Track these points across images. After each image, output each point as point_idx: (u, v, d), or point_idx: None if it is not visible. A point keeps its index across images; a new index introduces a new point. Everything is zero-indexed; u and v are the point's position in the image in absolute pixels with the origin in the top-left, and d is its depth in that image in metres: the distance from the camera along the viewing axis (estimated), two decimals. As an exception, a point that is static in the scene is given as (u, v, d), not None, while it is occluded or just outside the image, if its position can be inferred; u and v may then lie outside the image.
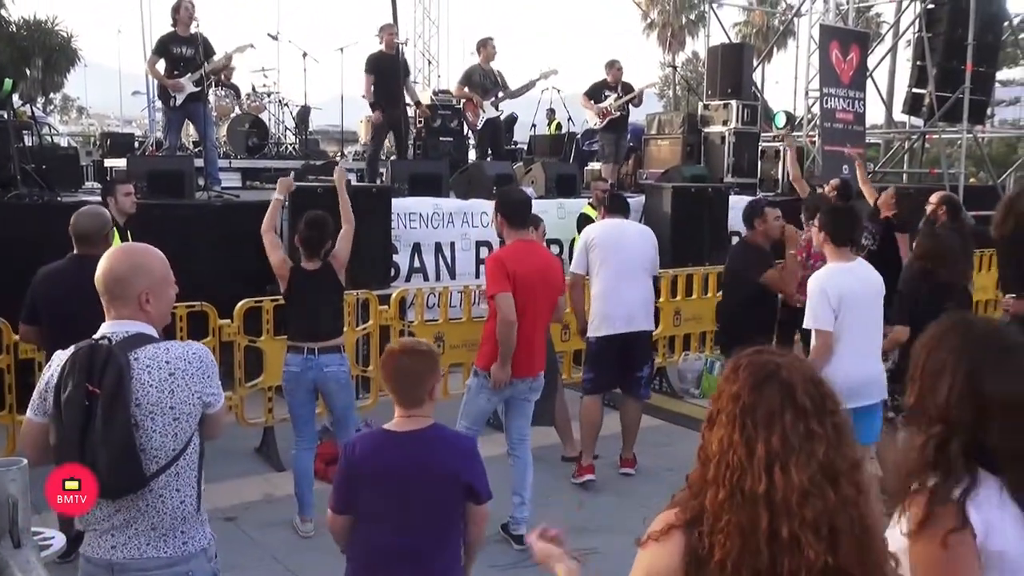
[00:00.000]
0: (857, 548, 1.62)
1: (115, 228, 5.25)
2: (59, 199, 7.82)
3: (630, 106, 11.99)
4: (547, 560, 2.00)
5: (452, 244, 8.88)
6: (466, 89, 11.15)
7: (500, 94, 11.09)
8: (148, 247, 2.73)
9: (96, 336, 2.55)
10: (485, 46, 11.16)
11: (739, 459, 1.64)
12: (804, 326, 4.88)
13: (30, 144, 9.16)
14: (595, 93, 11.83)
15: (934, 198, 7.48)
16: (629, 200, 7.10)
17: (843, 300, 4.69)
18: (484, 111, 11.03)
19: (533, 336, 4.98)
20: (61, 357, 2.55)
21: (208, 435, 2.67)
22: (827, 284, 4.74)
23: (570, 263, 9.28)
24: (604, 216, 6.53)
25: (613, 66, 11.90)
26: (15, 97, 8.88)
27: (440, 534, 2.97)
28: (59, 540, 2.15)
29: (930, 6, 14.58)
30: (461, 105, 11.54)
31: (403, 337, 3.66)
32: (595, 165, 13.01)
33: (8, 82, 8.10)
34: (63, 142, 16.29)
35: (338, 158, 14.21)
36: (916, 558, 1.84)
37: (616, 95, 11.68)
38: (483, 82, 11.01)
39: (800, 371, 1.69)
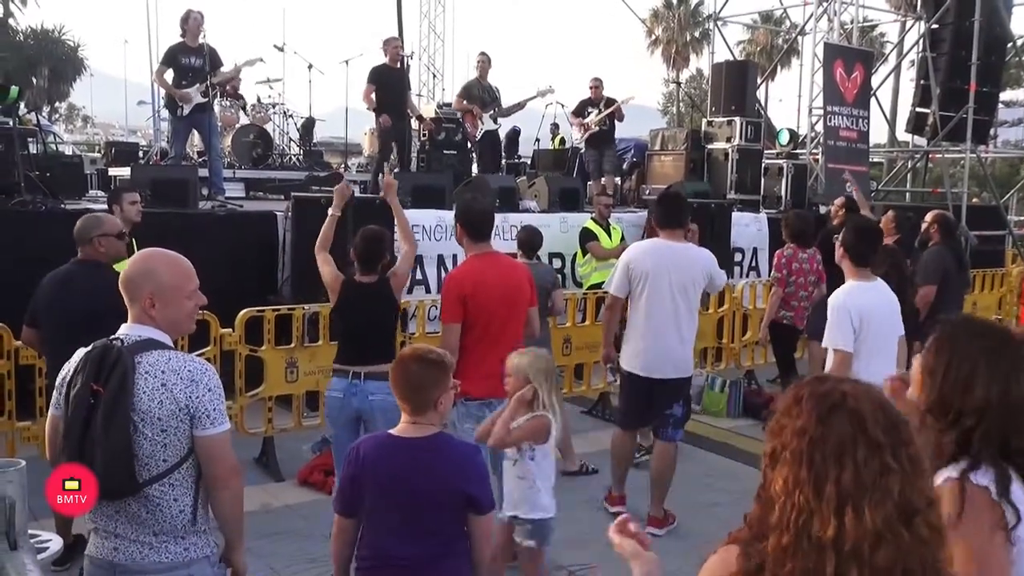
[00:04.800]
0: None
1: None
2: (62, 206, 7.83)
3: (615, 121, 12.13)
4: (626, 553, 1.86)
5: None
6: (465, 102, 11.43)
7: (497, 108, 11.36)
8: (168, 254, 2.72)
9: (113, 336, 2.59)
10: (484, 62, 11.54)
11: (806, 500, 1.49)
12: (823, 345, 4.68)
13: (35, 151, 9.18)
14: (580, 110, 12.17)
15: (928, 217, 7.52)
16: (633, 214, 7.02)
17: (864, 319, 4.50)
18: (483, 123, 11.30)
19: (504, 355, 4.53)
20: (79, 354, 2.60)
21: (205, 468, 2.57)
22: (849, 302, 4.54)
23: (572, 278, 9.37)
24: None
25: (593, 83, 12.17)
26: (21, 105, 8.90)
27: (444, 544, 2.95)
28: (56, 543, 2.14)
29: (934, 26, 14.63)
30: (460, 117, 11.69)
31: (416, 344, 3.61)
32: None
33: (14, 90, 8.13)
34: (67, 150, 16.34)
35: (341, 169, 14.22)
36: (954, 547, 1.77)
37: (597, 111, 11.89)
38: (482, 96, 11.33)
39: (868, 398, 1.55)
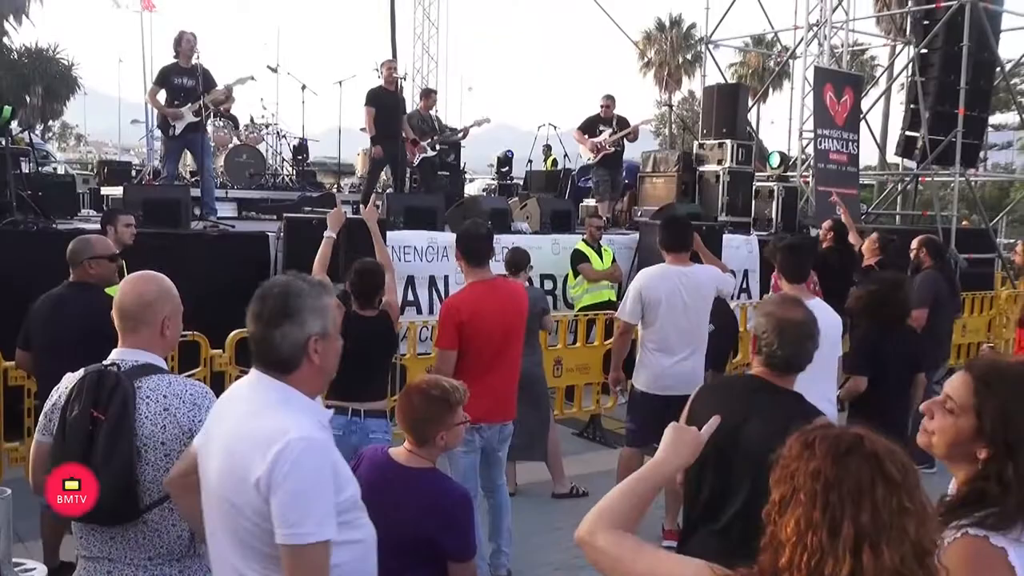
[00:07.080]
0: None
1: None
2: (55, 226, 7.81)
3: (625, 141, 12.12)
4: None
5: (446, 278, 8.88)
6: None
7: (435, 137, 11.80)
8: (164, 276, 2.74)
9: (106, 362, 2.57)
10: (427, 96, 12.40)
11: (819, 541, 1.48)
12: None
13: (27, 171, 9.17)
14: (589, 127, 12.02)
15: (915, 243, 7.53)
16: (624, 236, 7.00)
17: None
18: (421, 152, 11.72)
19: (497, 382, 4.66)
20: (70, 379, 2.58)
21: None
22: None
23: (563, 300, 9.38)
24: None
25: (605, 101, 12.13)
26: (14, 124, 8.90)
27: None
28: (40, 571, 2.12)
29: (923, 51, 14.76)
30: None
31: (429, 375, 3.59)
32: (590, 201, 13.07)
33: (7, 109, 8.11)
34: (60, 169, 16.35)
35: (334, 190, 14.26)
36: None
37: (611, 130, 11.84)
38: (420, 126, 11.69)
39: (882, 441, 1.56)
